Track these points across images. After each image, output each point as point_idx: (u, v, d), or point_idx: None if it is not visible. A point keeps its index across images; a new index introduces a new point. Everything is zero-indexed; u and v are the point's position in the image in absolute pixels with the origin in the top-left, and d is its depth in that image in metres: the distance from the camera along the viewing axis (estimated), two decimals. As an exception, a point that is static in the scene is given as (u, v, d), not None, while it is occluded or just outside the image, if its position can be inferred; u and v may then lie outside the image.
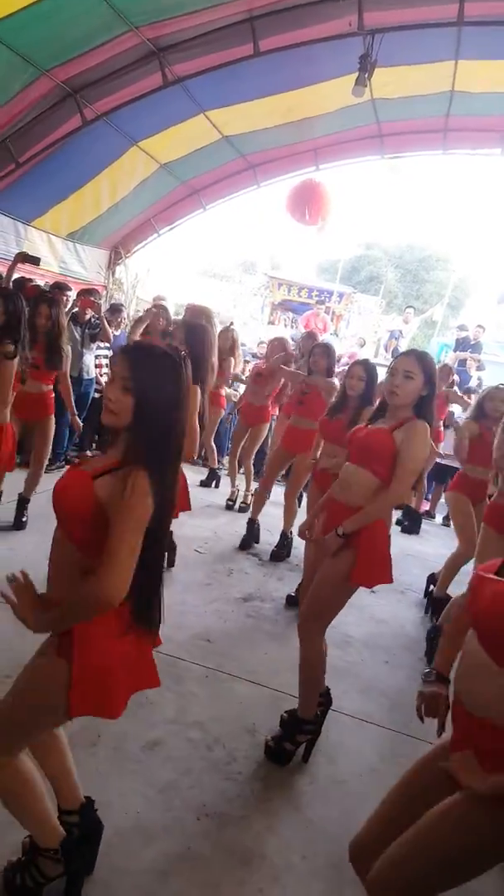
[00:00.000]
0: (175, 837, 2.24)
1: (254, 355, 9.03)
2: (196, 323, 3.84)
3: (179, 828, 2.29)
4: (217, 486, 7.02)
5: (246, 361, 8.42)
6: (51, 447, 4.90)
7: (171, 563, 4.47)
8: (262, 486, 5.37)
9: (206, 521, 5.73)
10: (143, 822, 2.28)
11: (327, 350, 4.95)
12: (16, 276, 6.30)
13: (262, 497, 5.34)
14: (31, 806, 1.82)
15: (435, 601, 4.49)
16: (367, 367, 4.00)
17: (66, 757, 1.99)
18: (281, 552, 5.20)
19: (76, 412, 6.64)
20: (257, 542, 5.35)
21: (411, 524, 6.84)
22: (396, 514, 6.65)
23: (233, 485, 6.49)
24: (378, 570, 2.70)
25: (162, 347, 1.72)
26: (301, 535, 3.15)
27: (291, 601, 4.28)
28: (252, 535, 5.34)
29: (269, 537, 5.54)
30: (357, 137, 9.81)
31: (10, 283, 5.92)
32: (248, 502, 6.42)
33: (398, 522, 6.73)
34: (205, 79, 7.48)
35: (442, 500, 7.87)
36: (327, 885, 2.16)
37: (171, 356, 1.67)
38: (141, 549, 1.60)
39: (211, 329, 3.91)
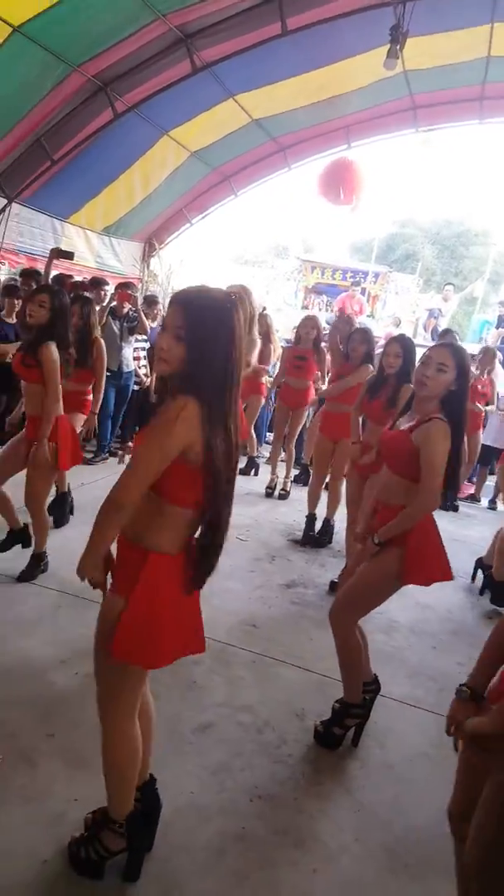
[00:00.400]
0: (229, 818, 2.30)
1: (288, 341, 9.00)
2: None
3: (233, 809, 2.35)
4: (256, 473, 7.08)
5: (281, 347, 8.41)
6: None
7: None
8: (315, 481, 5.31)
9: (246, 508, 5.78)
10: (198, 802, 2.35)
11: (366, 336, 4.91)
12: (54, 272, 6.43)
13: (317, 491, 5.29)
14: (129, 773, 1.93)
15: (494, 585, 4.53)
16: (404, 344, 3.95)
17: (151, 732, 2.08)
18: (323, 539, 5.22)
19: (116, 406, 6.80)
20: (315, 534, 5.27)
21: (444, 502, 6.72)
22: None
23: (273, 472, 6.49)
24: (433, 567, 2.65)
25: (214, 291, 1.68)
26: (356, 540, 3.00)
27: (335, 587, 4.31)
28: (311, 528, 5.29)
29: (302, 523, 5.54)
30: (389, 112, 9.68)
31: (49, 280, 6.03)
32: (288, 489, 6.45)
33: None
34: (233, 62, 7.46)
35: (488, 482, 7.81)
36: (381, 867, 2.20)
37: (222, 300, 1.64)
38: (202, 499, 1.69)
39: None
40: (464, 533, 6.16)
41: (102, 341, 4.93)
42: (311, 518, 5.29)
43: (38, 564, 3.90)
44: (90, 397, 4.88)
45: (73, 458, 3.88)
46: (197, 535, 1.80)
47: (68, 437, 3.79)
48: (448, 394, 2.53)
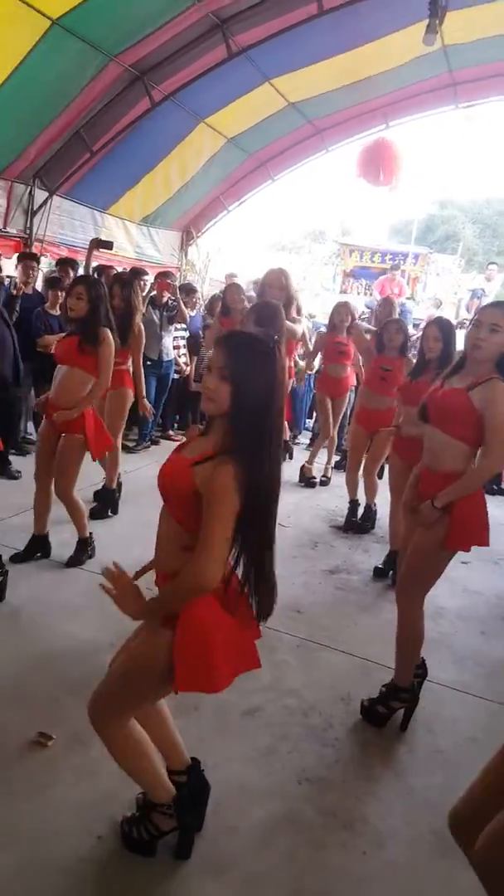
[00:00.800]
0: (278, 800, 2.33)
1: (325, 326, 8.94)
2: (267, 305, 3.83)
3: (281, 791, 2.37)
4: (291, 457, 6.99)
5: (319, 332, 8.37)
6: (124, 419, 4.96)
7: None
8: (351, 468, 5.30)
9: (287, 495, 5.77)
10: (247, 785, 2.38)
11: (401, 326, 4.90)
12: (94, 263, 6.49)
13: (353, 478, 5.27)
14: (142, 765, 1.96)
15: None
16: (442, 326, 3.89)
17: (168, 723, 2.11)
18: (365, 524, 5.20)
19: (156, 394, 6.86)
20: (358, 520, 5.26)
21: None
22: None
23: (311, 461, 6.39)
24: (473, 533, 2.64)
25: (255, 335, 1.76)
26: (405, 510, 2.97)
27: (379, 573, 4.30)
28: (354, 514, 5.28)
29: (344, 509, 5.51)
30: (428, 89, 9.49)
31: (90, 270, 6.10)
32: (329, 475, 6.43)
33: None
34: (268, 46, 7.41)
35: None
36: (432, 852, 2.19)
37: (264, 342, 1.71)
38: (241, 536, 1.70)
39: (282, 311, 3.87)
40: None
41: (142, 326, 4.93)
42: (353, 504, 5.28)
43: (84, 549, 3.98)
44: (126, 367, 4.81)
45: (101, 445, 3.92)
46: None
47: (94, 425, 3.82)
48: (502, 355, 2.51)
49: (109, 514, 4.87)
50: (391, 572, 4.20)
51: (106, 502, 4.89)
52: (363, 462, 5.12)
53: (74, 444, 3.72)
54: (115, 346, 3.81)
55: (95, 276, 6.09)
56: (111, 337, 3.74)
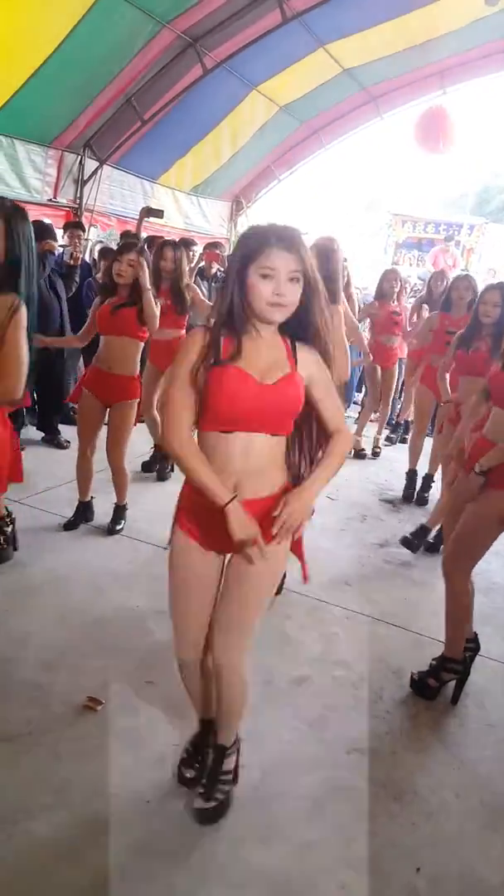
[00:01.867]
0: (327, 769, 2.32)
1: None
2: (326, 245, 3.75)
3: (331, 761, 2.37)
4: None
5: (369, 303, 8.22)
6: None
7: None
8: (416, 435, 5.26)
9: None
10: (296, 753, 2.38)
11: (470, 283, 4.78)
12: (144, 234, 6.47)
13: (418, 445, 5.22)
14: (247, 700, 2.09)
15: None
16: None
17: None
18: (424, 496, 5.15)
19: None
20: (417, 491, 5.22)
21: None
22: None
23: (359, 433, 6.30)
24: None
25: (293, 228, 1.72)
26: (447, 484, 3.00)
27: (431, 548, 4.22)
28: (412, 485, 5.23)
29: (401, 483, 5.45)
30: (487, 53, 9.14)
31: (143, 241, 6.07)
32: (381, 447, 6.35)
33: None
34: (323, 10, 7.19)
35: None
36: (482, 825, 2.16)
37: (324, 239, 1.87)
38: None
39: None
40: None
41: (196, 287, 4.92)
42: (411, 474, 5.22)
43: (123, 516, 4.05)
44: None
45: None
46: None
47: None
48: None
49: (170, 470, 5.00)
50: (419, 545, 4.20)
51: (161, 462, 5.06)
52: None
53: (130, 411, 3.83)
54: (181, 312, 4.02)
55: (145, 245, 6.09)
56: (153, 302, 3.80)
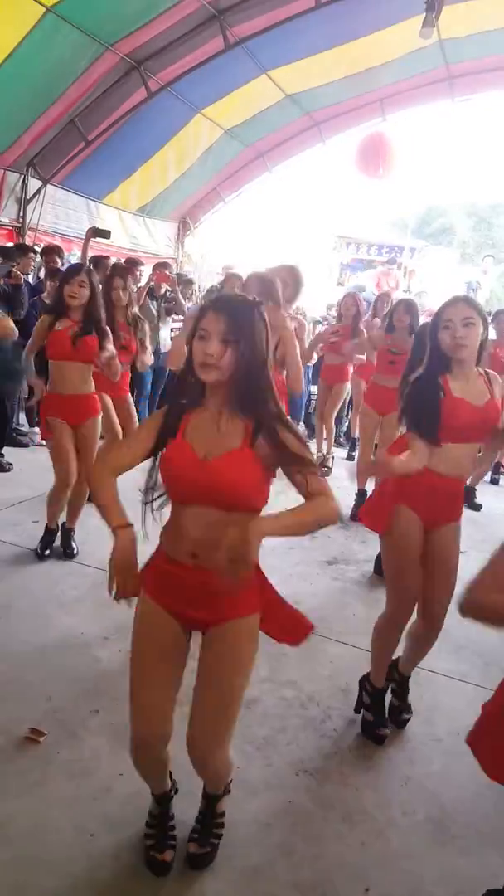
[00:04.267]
0: (276, 792, 2.31)
1: (323, 318, 8.91)
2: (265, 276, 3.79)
3: (279, 783, 2.35)
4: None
5: (317, 322, 8.35)
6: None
7: None
8: (363, 455, 5.31)
9: (281, 485, 5.74)
10: (244, 777, 2.35)
11: (409, 307, 4.91)
12: (91, 254, 6.44)
13: (363, 466, 5.28)
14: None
15: None
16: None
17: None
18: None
19: (152, 386, 6.83)
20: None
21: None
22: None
23: (319, 449, 6.40)
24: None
25: (243, 297, 1.73)
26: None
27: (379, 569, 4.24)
28: (360, 504, 5.26)
29: (348, 500, 5.51)
30: (425, 83, 9.49)
31: (87, 261, 6.03)
32: (330, 465, 6.42)
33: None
34: (266, 37, 7.38)
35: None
36: (430, 840, 2.18)
37: (252, 300, 1.69)
38: None
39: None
40: (506, 509, 6.07)
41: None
42: (360, 494, 5.27)
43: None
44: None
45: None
46: None
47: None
48: (479, 345, 2.43)
49: None
50: None
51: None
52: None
53: (97, 428, 3.91)
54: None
55: (91, 266, 6.03)
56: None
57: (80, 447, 3.84)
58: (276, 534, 1.66)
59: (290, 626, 1.88)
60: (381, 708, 2.71)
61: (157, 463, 1.75)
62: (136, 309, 4.79)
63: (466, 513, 2.83)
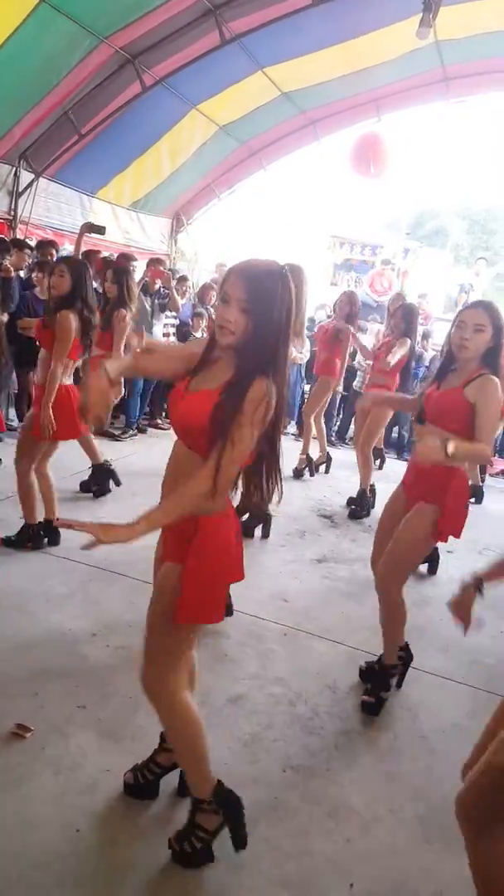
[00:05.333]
0: (262, 788, 2.30)
1: (311, 320, 8.91)
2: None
3: (266, 779, 2.35)
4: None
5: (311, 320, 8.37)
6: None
7: (266, 535, 4.55)
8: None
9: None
10: (232, 773, 2.33)
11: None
12: (83, 248, 6.40)
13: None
14: (197, 747, 1.94)
15: None
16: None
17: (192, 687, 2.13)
18: (358, 511, 5.23)
19: (144, 382, 6.80)
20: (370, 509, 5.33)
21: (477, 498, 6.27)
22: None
23: (305, 451, 6.29)
24: (457, 525, 2.72)
25: (270, 263, 1.72)
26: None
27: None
28: (364, 504, 5.31)
29: (339, 500, 5.55)
30: (421, 84, 9.48)
31: (80, 255, 6.01)
32: (316, 467, 6.40)
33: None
34: (262, 34, 7.34)
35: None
36: (415, 837, 2.18)
37: (279, 270, 1.69)
38: (263, 454, 1.76)
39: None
40: (495, 508, 6.09)
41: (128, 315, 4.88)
42: (361, 494, 5.34)
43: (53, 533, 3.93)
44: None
45: (69, 431, 3.81)
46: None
47: (67, 407, 3.70)
48: (487, 350, 2.60)
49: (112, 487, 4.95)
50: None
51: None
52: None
53: (44, 420, 3.63)
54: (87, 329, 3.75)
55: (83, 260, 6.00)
56: (69, 320, 3.60)
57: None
58: (146, 532, 1.66)
59: (202, 602, 1.80)
60: None
61: None
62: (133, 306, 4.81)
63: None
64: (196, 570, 1.77)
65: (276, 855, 2.04)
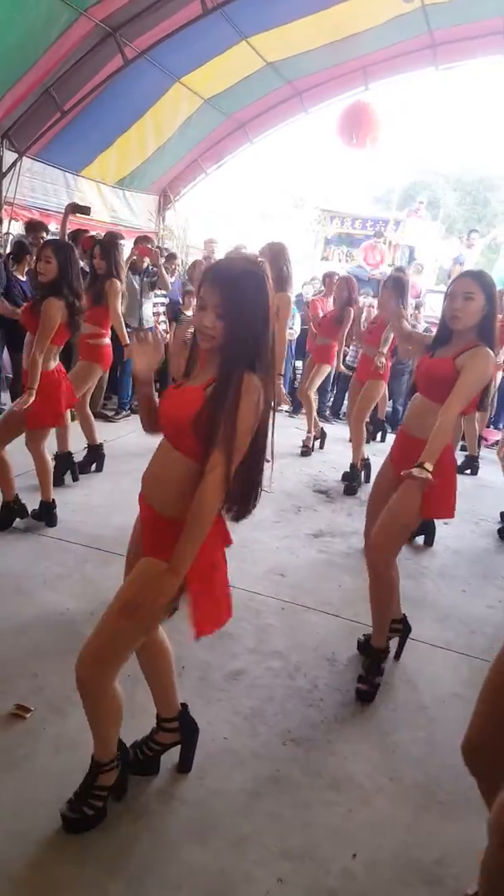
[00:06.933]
0: (263, 762, 2.31)
1: (299, 295, 8.84)
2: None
3: (267, 753, 2.35)
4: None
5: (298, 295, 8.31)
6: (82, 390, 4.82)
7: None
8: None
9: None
10: (232, 747, 2.35)
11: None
12: (70, 228, 6.31)
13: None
14: (111, 732, 1.97)
15: None
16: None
17: (171, 665, 2.13)
18: (352, 486, 5.25)
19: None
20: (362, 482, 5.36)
21: (468, 466, 6.33)
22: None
23: (310, 428, 6.31)
24: (447, 504, 2.71)
25: (244, 263, 1.73)
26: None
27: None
28: (355, 478, 5.32)
29: (335, 475, 5.55)
30: (408, 50, 9.32)
31: (66, 236, 5.92)
32: (310, 445, 6.38)
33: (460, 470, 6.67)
34: (245, 2, 7.18)
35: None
36: (416, 806, 2.19)
37: (254, 271, 1.69)
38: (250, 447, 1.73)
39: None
40: (491, 479, 6.09)
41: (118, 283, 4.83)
42: (352, 468, 5.37)
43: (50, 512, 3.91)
44: (106, 342, 4.80)
45: (54, 418, 3.78)
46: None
47: (53, 393, 3.70)
48: (481, 319, 2.57)
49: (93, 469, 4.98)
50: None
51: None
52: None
53: (22, 404, 3.57)
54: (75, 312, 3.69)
55: (70, 241, 5.92)
56: (54, 308, 3.54)
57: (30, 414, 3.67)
58: (179, 578, 1.69)
59: (213, 611, 1.83)
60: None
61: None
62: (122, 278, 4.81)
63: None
64: (201, 590, 1.77)
65: (280, 827, 2.05)
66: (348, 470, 5.36)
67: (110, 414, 6.61)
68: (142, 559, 1.83)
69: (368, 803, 2.18)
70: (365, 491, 5.09)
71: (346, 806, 2.16)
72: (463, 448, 6.49)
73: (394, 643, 2.95)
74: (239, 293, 1.66)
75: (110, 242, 5.01)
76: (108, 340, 4.81)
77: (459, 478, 2.88)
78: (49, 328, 3.55)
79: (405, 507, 2.64)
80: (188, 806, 2.08)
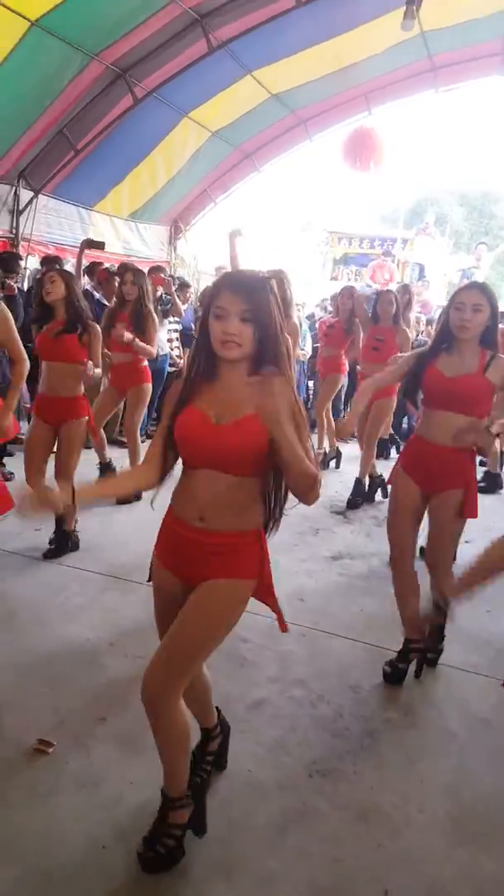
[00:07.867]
0: (289, 794, 2.26)
1: (310, 317, 8.90)
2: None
3: (292, 785, 2.31)
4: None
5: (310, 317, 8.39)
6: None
7: None
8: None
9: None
10: (256, 780, 2.31)
11: (392, 297, 5.26)
12: (85, 263, 6.45)
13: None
14: (183, 758, 1.95)
15: None
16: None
17: (209, 682, 2.19)
18: (356, 500, 5.27)
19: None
20: (367, 501, 5.39)
21: (490, 483, 6.20)
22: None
23: (320, 444, 6.37)
24: (475, 502, 2.84)
25: (253, 272, 1.82)
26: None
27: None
28: (360, 494, 5.33)
29: (348, 493, 5.50)
30: (408, 75, 9.50)
31: (82, 270, 6.05)
32: (326, 461, 6.39)
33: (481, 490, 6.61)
34: (248, 38, 7.39)
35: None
36: (448, 838, 2.13)
37: (264, 279, 1.76)
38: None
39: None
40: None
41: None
42: (357, 483, 5.37)
43: (66, 542, 3.96)
44: (145, 363, 5.08)
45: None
46: None
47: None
48: (484, 330, 2.71)
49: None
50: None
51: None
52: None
53: (78, 429, 3.86)
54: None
55: (86, 274, 6.05)
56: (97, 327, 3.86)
57: (59, 447, 3.88)
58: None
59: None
60: (404, 656, 2.93)
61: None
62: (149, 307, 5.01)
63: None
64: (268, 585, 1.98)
65: (308, 863, 2.00)
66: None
67: (124, 440, 6.63)
68: (210, 582, 1.84)
69: (399, 836, 2.13)
70: (381, 510, 5.05)
71: (376, 839, 2.11)
72: (482, 463, 6.43)
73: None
74: (262, 294, 1.71)
75: (141, 271, 5.16)
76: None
77: (480, 495, 2.94)
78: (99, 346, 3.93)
79: (451, 521, 2.83)
80: (213, 843, 2.03)
